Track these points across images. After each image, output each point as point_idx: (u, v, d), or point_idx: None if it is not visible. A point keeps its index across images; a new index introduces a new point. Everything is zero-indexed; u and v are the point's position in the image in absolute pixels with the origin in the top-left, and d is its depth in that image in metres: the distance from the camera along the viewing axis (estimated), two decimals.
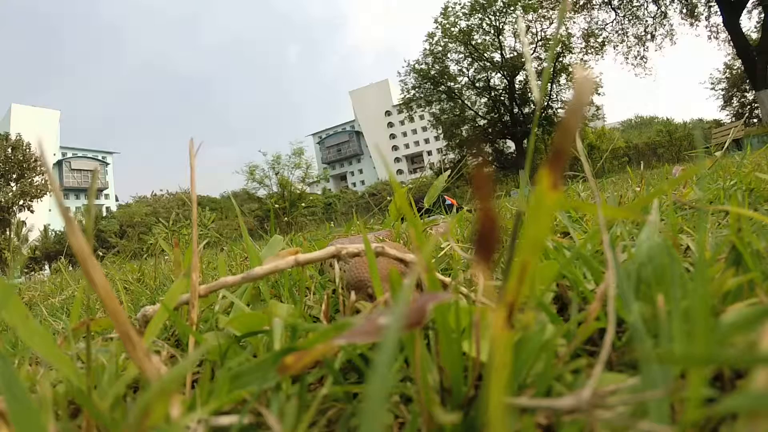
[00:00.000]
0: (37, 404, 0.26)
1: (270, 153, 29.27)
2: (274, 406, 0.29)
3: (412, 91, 22.13)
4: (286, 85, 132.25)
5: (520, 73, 20.54)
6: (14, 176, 24.00)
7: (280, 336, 0.35)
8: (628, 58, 18.45)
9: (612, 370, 0.30)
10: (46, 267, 19.11)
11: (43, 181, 24.54)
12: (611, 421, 0.22)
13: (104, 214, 39.70)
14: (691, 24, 17.11)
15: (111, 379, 0.35)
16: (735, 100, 29.40)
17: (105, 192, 47.58)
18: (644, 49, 18.21)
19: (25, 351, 0.57)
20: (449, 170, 1.16)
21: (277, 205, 21.25)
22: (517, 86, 21.21)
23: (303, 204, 24.32)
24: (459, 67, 21.64)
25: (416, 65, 21.63)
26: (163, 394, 0.23)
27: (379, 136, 50.06)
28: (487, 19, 20.56)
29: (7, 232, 23.12)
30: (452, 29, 20.99)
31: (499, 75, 21.34)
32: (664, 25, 17.76)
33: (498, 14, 20.25)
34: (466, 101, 21.82)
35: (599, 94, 20.52)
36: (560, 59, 19.64)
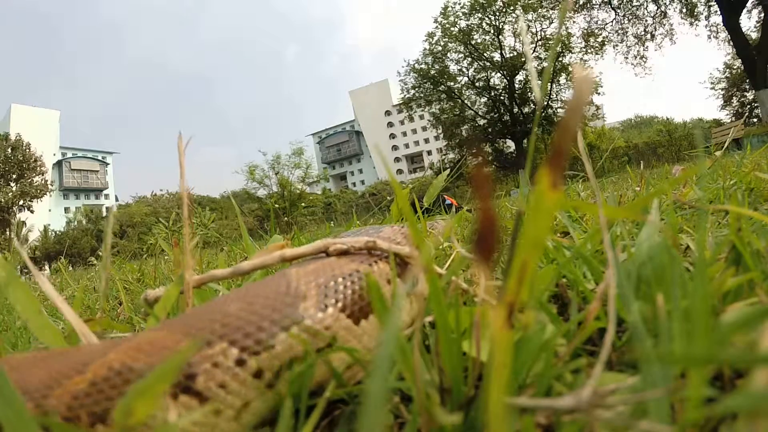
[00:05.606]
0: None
1: (270, 153, 29.31)
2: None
3: (412, 91, 22.11)
4: (286, 85, 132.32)
5: (520, 72, 20.53)
6: (14, 176, 24.00)
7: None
8: (627, 58, 18.47)
9: (612, 369, 0.30)
10: (46, 267, 19.10)
11: (42, 181, 24.52)
12: (611, 421, 0.22)
13: (104, 214, 39.71)
14: (691, 24, 17.12)
15: None
16: (735, 100, 29.38)
17: (105, 192, 47.60)
18: (644, 49, 18.23)
19: (25, 351, 0.57)
20: (448, 169, 1.16)
21: (277, 205, 21.23)
22: (516, 86, 21.19)
23: (303, 204, 24.33)
24: (459, 67, 21.64)
25: (416, 65, 21.62)
26: (152, 390, 0.22)
27: (379, 135, 50.03)
28: (486, 18, 20.54)
29: (7, 232, 23.11)
30: (452, 29, 20.98)
31: (498, 75, 21.33)
32: (664, 25, 17.78)
33: (498, 14, 20.23)
34: (465, 101, 21.80)
35: (599, 93, 20.52)
36: (560, 59, 19.63)
